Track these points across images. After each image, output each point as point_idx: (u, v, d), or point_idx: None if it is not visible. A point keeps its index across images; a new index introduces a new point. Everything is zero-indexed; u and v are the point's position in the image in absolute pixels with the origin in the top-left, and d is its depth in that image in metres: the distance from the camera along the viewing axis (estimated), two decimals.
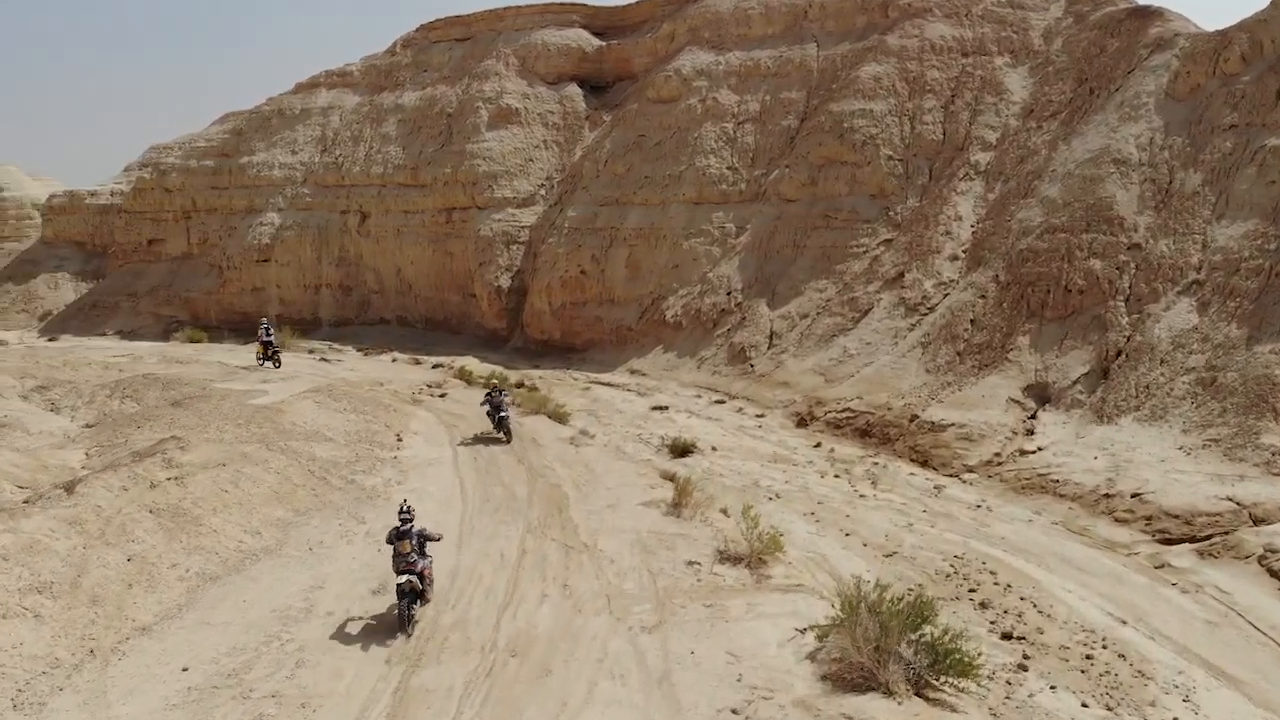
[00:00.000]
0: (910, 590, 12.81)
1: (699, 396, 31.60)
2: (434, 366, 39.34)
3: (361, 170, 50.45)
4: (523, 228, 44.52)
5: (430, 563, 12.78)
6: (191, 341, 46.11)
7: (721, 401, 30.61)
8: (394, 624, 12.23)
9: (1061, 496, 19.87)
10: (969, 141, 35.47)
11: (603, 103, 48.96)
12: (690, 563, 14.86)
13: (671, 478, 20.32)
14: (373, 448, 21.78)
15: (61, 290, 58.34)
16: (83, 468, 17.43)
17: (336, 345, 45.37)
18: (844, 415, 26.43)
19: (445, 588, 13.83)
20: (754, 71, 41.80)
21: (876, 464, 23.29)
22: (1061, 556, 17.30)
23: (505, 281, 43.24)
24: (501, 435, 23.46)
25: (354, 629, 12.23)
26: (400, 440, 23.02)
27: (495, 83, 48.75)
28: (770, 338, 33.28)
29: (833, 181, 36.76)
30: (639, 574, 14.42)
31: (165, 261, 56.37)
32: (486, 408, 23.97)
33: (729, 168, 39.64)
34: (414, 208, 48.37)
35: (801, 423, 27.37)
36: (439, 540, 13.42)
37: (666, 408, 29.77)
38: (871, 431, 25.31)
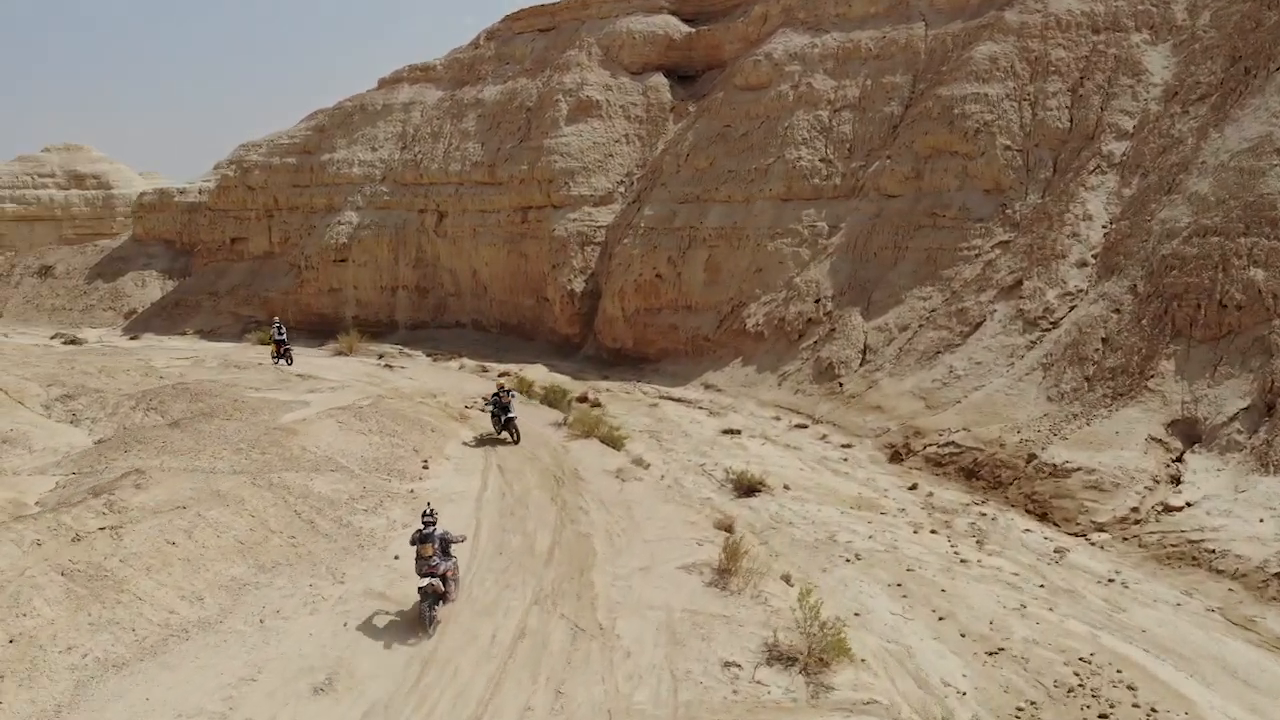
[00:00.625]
0: (1020, 715, 9.15)
1: (778, 418, 27.98)
2: (500, 375, 36.75)
3: (440, 168, 48.46)
4: (599, 227, 41.59)
5: (455, 563, 12.93)
6: (261, 344, 44.90)
7: (803, 426, 26.93)
8: None
9: (1219, 572, 15.64)
10: (1101, 129, 30.71)
11: (690, 93, 45.60)
12: (728, 664, 11.49)
13: (727, 528, 16.93)
14: (389, 478, 19.09)
15: (148, 288, 58.47)
16: (36, 503, 15.17)
17: (408, 350, 43.40)
18: (946, 450, 22.45)
19: (409, 687, 10.88)
20: (853, 54, 37.75)
21: (983, 515, 19.31)
22: (1222, 662, 13.20)
23: (579, 285, 40.40)
24: (507, 437, 22.56)
25: None
26: (427, 467, 20.27)
27: (576, 74, 45.98)
28: (863, 353, 29.35)
29: (940, 174, 32.51)
30: (658, 677, 11.16)
31: (247, 261, 55.75)
32: (491, 409, 22.95)
33: (822, 160, 35.76)
34: (490, 207, 46.05)
35: (895, 456, 23.49)
36: (462, 542, 13.47)
37: (739, 432, 26.30)
38: (979, 472, 21.28)
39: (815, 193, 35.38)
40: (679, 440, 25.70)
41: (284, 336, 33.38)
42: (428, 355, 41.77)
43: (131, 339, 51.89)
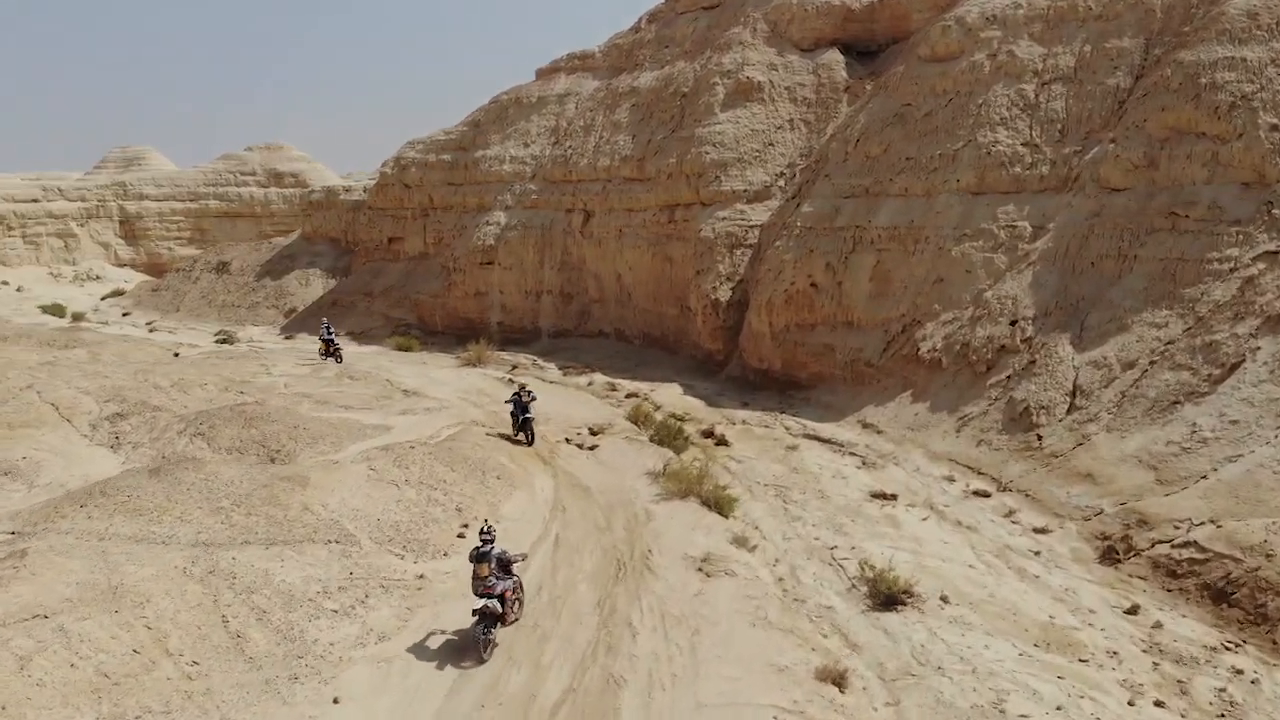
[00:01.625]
0: None
1: (950, 479, 21.65)
2: (627, 396, 32.16)
3: (589, 163, 44.44)
4: (751, 227, 36.09)
5: (515, 582, 12.45)
6: (399, 349, 42.53)
7: (983, 494, 20.50)
8: None
9: None
10: None
11: (869, 70, 39.17)
12: None
13: (836, 680, 11.37)
14: (403, 553, 14.80)
15: (311, 287, 58.08)
16: None
17: (541, 361, 39.62)
18: (1185, 554, 15.63)
19: None
20: (1068, 14, 30.23)
21: (1239, 672, 12.63)
22: None
23: (725, 293, 35.08)
24: (522, 438, 22.31)
25: None
26: (463, 536, 15.84)
27: (737, 53, 40.58)
28: (1071, 396, 22.43)
29: (1182, 162, 24.86)
30: None
31: (402, 261, 54.08)
32: (511, 407, 22.77)
33: (1025, 144, 28.63)
34: (637, 205, 41.52)
35: (1108, 554, 16.82)
36: (523, 560, 12.98)
37: (894, 497, 20.27)
38: (1234, 595, 14.44)
39: (1015, 184, 28.35)
40: (811, 503, 20.04)
41: (332, 335, 34.32)
42: (560, 369, 37.78)
43: (286, 338, 51.27)
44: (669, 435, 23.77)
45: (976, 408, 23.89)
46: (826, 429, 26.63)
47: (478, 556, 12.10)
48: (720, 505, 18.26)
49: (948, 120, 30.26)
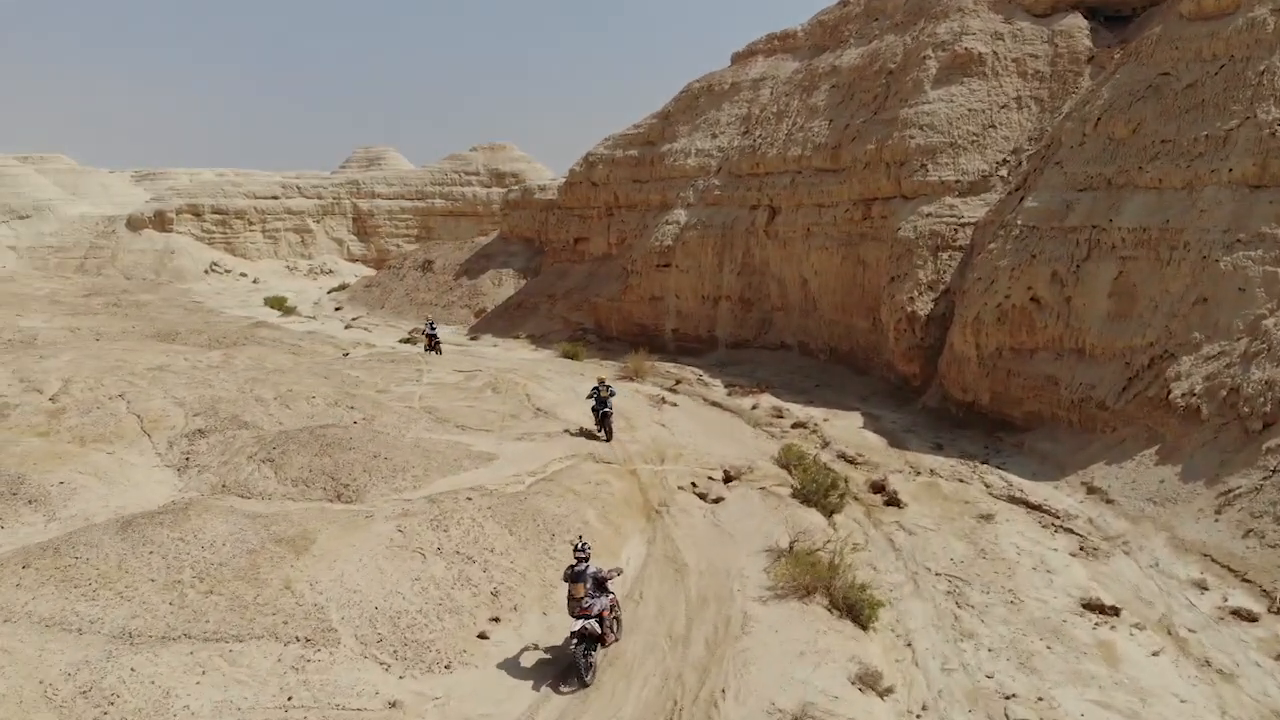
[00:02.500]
0: None
1: (1201, 585, 15.27)
2: (793, 426, 27.25)
3: (778, 153, 39.56)
4: (962, 225, 29.93)
5: (612, 600, 11.88)
6: (566, 357, 39.63)
7: (1249, 617, 14.07)
8: None
9: None
10: None
11: (1120, 39, 31.72)
12: None
13: None
14: (391, 662, 11.25)
15: (503, 287, 56.78)
16: None
17: (708, 376, 35.28)
18: None
19: None
20: None
21: None
22: None
23: (924, 305, 29.21)
24: (601, 434, 22.51)
25: None
26: (485, 636, 11.95)
27: (955, 21, 34.25)
28: None
29: None
30: None
31: (587, 262, 51.49)
32: (592, 402, 22.92)
33: None
34: (828, 199, 36.21)
35: None
36: (619, 575, 12.38)
37: (1115, 612, 14.31)
38: None
39: None
40: (995, 610, 14.50)
41: (435, 332, 38.11)
42: (726, 387, 33.28)
43: (472, 339, 50.02)
44: (821, 489, 18.78)
45: (1247, 480, 17.10)
46: (1038, 490, 20.52)
47: (573, 576, 11.62)
48: (857, 612, 13.23)
49: (1217, 93, 22.91)
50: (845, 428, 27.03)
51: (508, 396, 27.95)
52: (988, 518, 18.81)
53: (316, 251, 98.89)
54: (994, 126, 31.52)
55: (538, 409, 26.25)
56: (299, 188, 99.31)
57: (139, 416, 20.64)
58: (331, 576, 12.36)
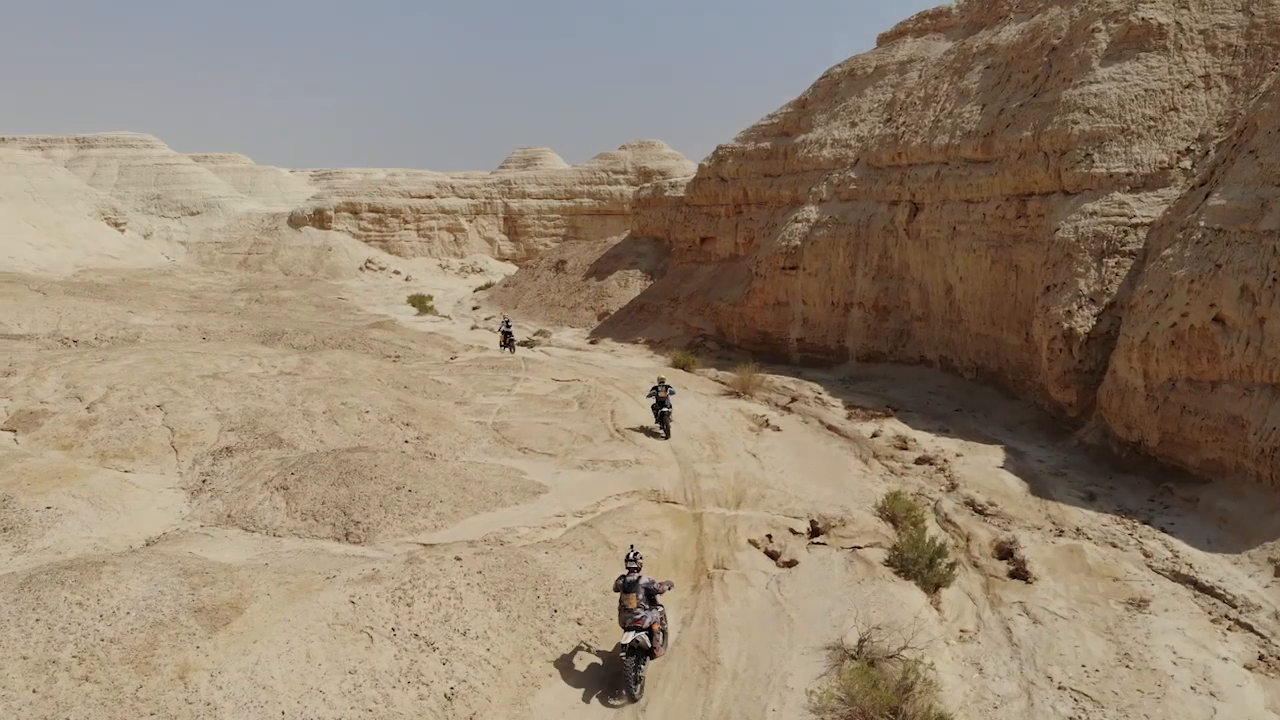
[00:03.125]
0: None
1: None
2: (916, 462, 23.28)
3: (923, 142, 35.19)
4: (1133, 226, 24.95)
5: (662, 613, 11.63)
6: (677, 367, 36.70)
7: None
8: None
9: None
10: None
11: None
12: None
13: None
14: None
15: (629, 289, 54.39)
16: None
17: (828, 395, 31.49)
18: None
19: None
20: None
21: None
22: None
23: (1084, 321, 24.48)
24: (660, 431, 22.71)
25: None
26: None
27: None
28: None
29: None
30: None
31: (713, 264, 48.35)
32: (652, 400, 23.22)
33: None
34: (977, 194, 31.65)
35: None
36: (670, 590, 12.12)
37: None
38: None
39: None
40: None
41: (510, 330, 39.45)
42: (847, 408, 29.43)
43: (591, 343, 47.90)
44: (925, 558, 15.05)
45: None
46: (1212, 566, 15.97)
47: (625, 586, 11.46)
48: None
49: None
50: (980, 466, 22.79)
51: (592, 413, 25.35)
52: (1140, 604, 14.52)
53: (468, 250, 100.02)
54: (1175, 110, 26.23)
55: (617, 430, 23.49)
56: (453, 187, 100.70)
57: (172, 430, 19.20)
58: (243, 665, 9.92)
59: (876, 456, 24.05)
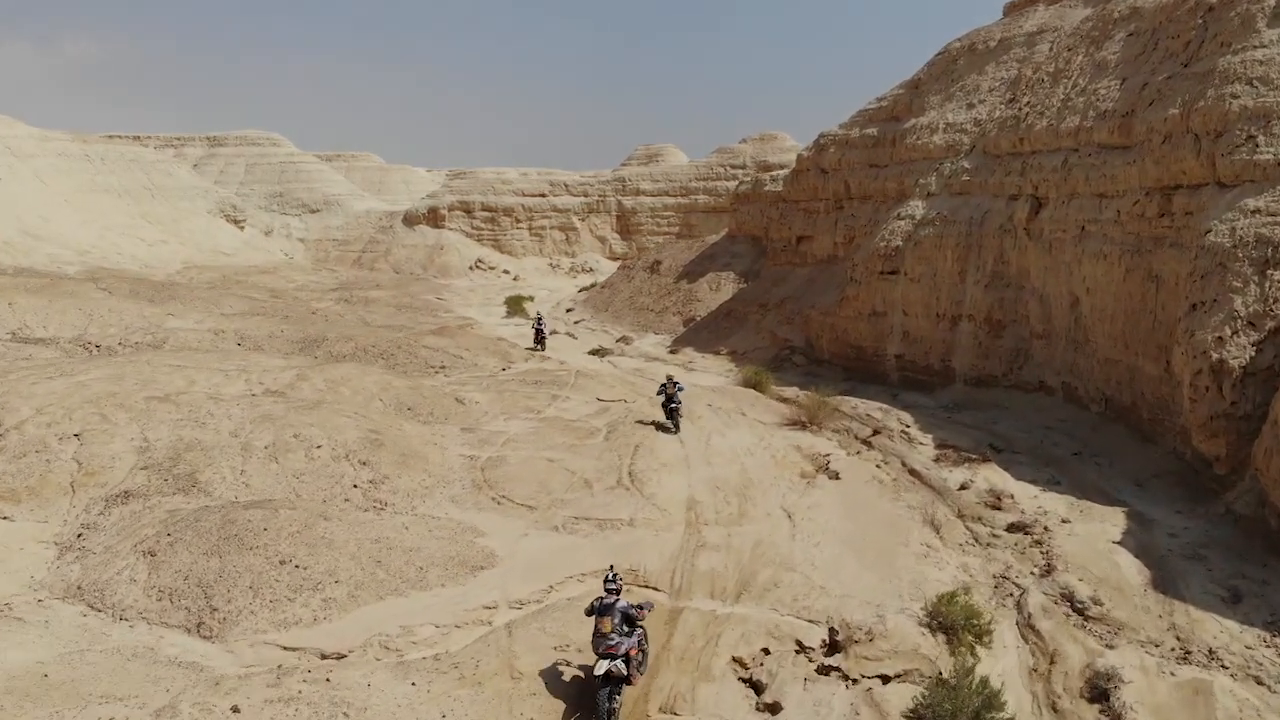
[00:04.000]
0: None
1: None
2: (1008, 529, 18.22)
3: (1049, 125, 29.46)
4: None
5: (640, 638, 11.04)
6: (747, 385, 32.22)
7: None
8: None
9: None
10: None
11: None
12: None
13: None
14: None
15: (720, 292, 49.99)
16: None
17: (917, 430, 26.47)
18: None
19: None
20: None
21: None
22: None
23: (1239, 352, 18.69)
24: (670, 425, 23.12)
25: None
26: None
27: None
28: None
29: None
30: None
31: (809, 266, 43.43)
32: (662, 398, 23.70)
33: None
34: (1111, 187, 25.85)
35: None
36: (650, 610, 11.57)
37: None
38: None
39: None
40: None
41: (543, 327, 40.38)
42: (937, 448, 24.42)
43: (671, 352, 43.87)
44: (967, 712, 10.31)
45: None
46: None
47: (601, 608, 10.74)
48: None
49: None
50: (1091, 539, 17.51)
51: (613, 447, 21.48)
52: None
53: (580, 249, 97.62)
54: None
55: (630, 475, 19.40)
56: (566, 185, 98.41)
57: (79, 465, 16.36)
58: None
59: (962, 516, 19.09)
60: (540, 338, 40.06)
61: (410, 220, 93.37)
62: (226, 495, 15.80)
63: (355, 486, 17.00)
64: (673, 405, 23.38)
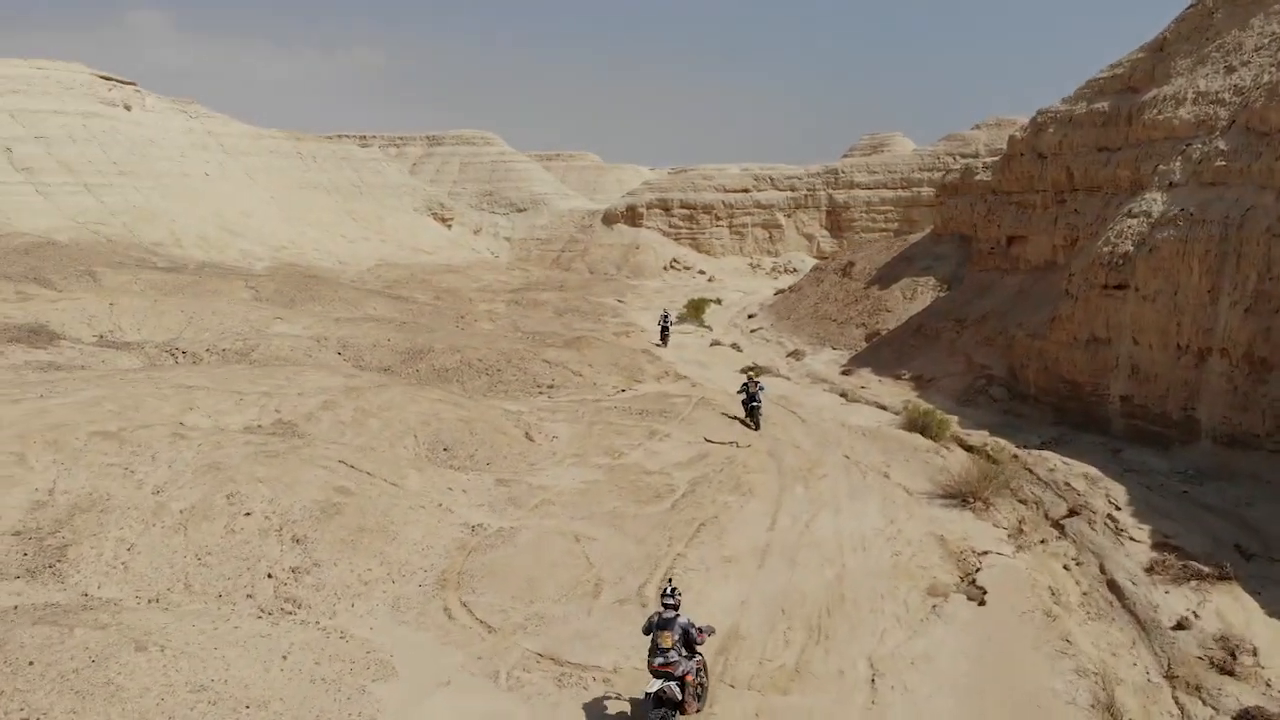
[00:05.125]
0: None
1: None
2: (1240, 717, 11.15)
3: None
4: None
5: (700, 665, 10.03)
6: (912, 428, 25.60)
7: None
8: None
9: None
10: None
11: None
12: None
13: None
14: None
15: (915, 302, 42.61)
16: None
17: (1132, 515, 18.96)
18: None
19: None
20: None
21: None
22: None
23: None
24: (750, 423, 23.49)
25: None
26: None
27: None
28: None
29: None
30: None
31: (1019, 273, 35.55)
32: (742, 396, 24.07)
33: None
34: None
35: None
36: (711, 634, 10.43)
37: None
38: None
39: None
40: None
41: (668, 324, 41.03)
42: (1155, 548, 17.17)
43: (844, 373, 37.50)
44: None
45: None
46: None
47: (660, 623, 9.75)
48: None
49: None
50: None
51: (675, 523, 16.21)
52: None
53: (784, 248, 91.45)
54: None
55: (668, 578, 13.96)
56: (771, 179, 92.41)
57: None
58: None
59: (1172, 678, 12.23)
60: (665, 334, 40.16)
61: (609, 219, 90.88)
62: (86, 584, 12.04)
63: (270, 576, 12.75)
64: (754, 404, 23.55)
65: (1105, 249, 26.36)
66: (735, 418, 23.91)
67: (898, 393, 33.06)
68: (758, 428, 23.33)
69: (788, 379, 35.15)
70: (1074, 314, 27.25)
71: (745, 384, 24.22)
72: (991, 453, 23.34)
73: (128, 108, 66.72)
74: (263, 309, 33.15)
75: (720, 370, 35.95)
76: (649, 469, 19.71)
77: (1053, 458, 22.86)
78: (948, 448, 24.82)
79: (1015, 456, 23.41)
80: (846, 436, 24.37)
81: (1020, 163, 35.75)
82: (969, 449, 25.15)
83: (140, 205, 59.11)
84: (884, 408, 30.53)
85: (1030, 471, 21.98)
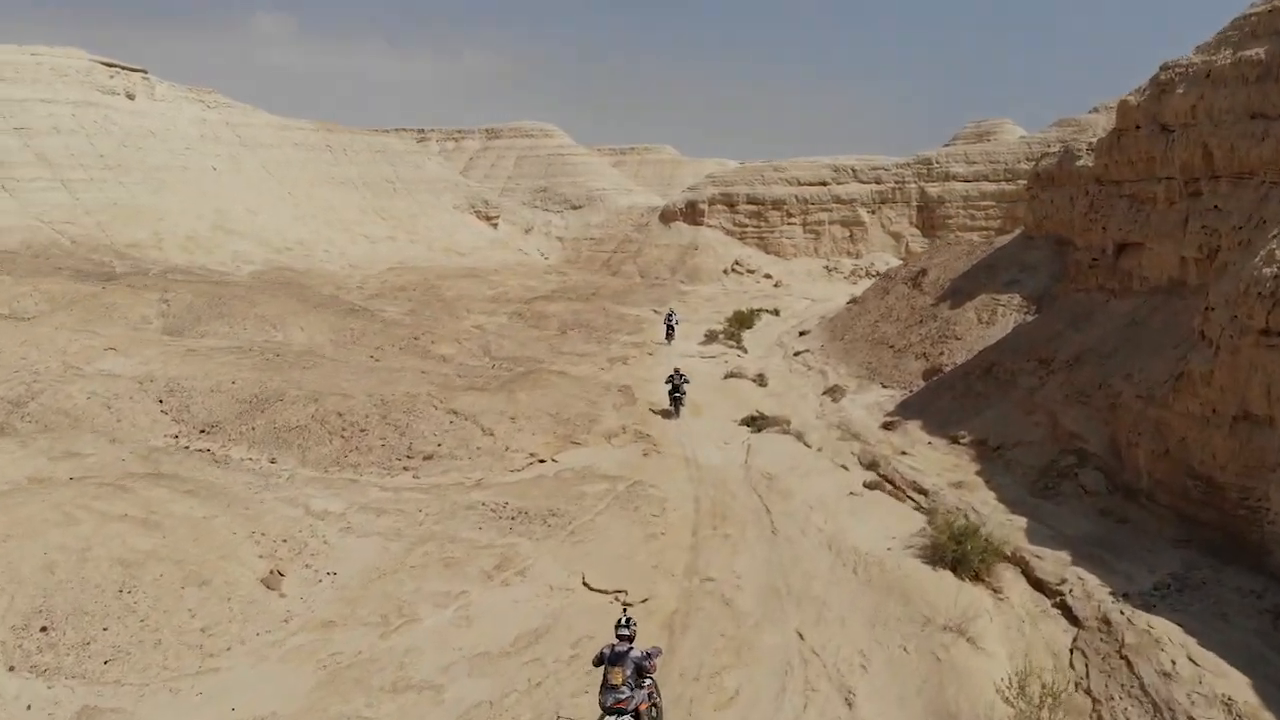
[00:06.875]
0: None
1: None
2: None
3: None
4: None
5: (651, 690, 9.72)
6: (937, 560, 16.07)
7: None
8: None
9: None
10: None
11: None
12: None
13: None
14: None
15: (993, 327, 32.39)
16: None
17: None
18: None
19: None
20: None
21: None
22: None
23: None
24: (672, 409, 25.35)
25: None
26: None
27: None
28: None
29: None
30: None
31: (1132, 297, 25.24)
32: (669, 387, 25.78)
33: None
34: None
35: None
36: (659, 656, 9.94)
37: None
38: None
39: None
40: None
41: (673, 323, 39.86)
42: None
43: (884, 426, 27.96)
44: None
45: None
46: None
47: (612, 657, 9.42)
48: None
49: None
50: None
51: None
52: None
53: (866, 248, 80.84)
54: None
55: None
56: (853, 170, 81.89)
57: None
58: None
59: None
60: (670, 332, 40.03)
61: (666, 217, 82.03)
62: None
63: None
64: (678, 395, 25.53)
65: (1266, 270, 16.20)
66: (660, 411, 25.31)
67: (948, 465, 23.40)
68: (678, 415, 25.15)
69: (799, 438, 25.68)
70: (1213, 372, 17.10)
71: (670, 377, 25.88)
72: (1032, 688, 13.77)
73: (130, 96, 61.47)
74: (102, 337, 25.69)
75: (712, 421, 26.88)
76: (415, 673, 11.06)
77: (1170, 636, 13.13)
78: (994, 589, 15.38)
79: (1106, 623, 13.85)
80: (824, 578, 15.06)
81: (1135, 139, 25.32)
82: (1036, 584, 15.74)
83: (123, 202, 53.44)
84: (922, 492, 21.02)
85: (1131, 669, 12.43)
